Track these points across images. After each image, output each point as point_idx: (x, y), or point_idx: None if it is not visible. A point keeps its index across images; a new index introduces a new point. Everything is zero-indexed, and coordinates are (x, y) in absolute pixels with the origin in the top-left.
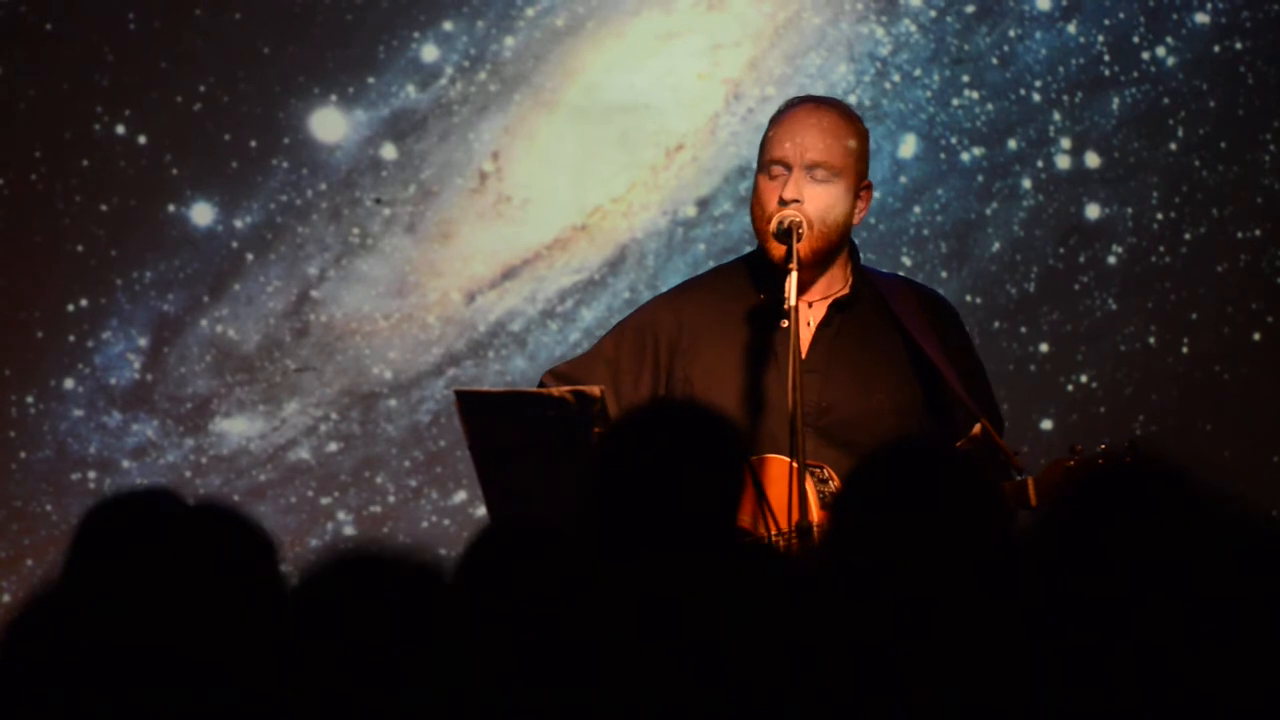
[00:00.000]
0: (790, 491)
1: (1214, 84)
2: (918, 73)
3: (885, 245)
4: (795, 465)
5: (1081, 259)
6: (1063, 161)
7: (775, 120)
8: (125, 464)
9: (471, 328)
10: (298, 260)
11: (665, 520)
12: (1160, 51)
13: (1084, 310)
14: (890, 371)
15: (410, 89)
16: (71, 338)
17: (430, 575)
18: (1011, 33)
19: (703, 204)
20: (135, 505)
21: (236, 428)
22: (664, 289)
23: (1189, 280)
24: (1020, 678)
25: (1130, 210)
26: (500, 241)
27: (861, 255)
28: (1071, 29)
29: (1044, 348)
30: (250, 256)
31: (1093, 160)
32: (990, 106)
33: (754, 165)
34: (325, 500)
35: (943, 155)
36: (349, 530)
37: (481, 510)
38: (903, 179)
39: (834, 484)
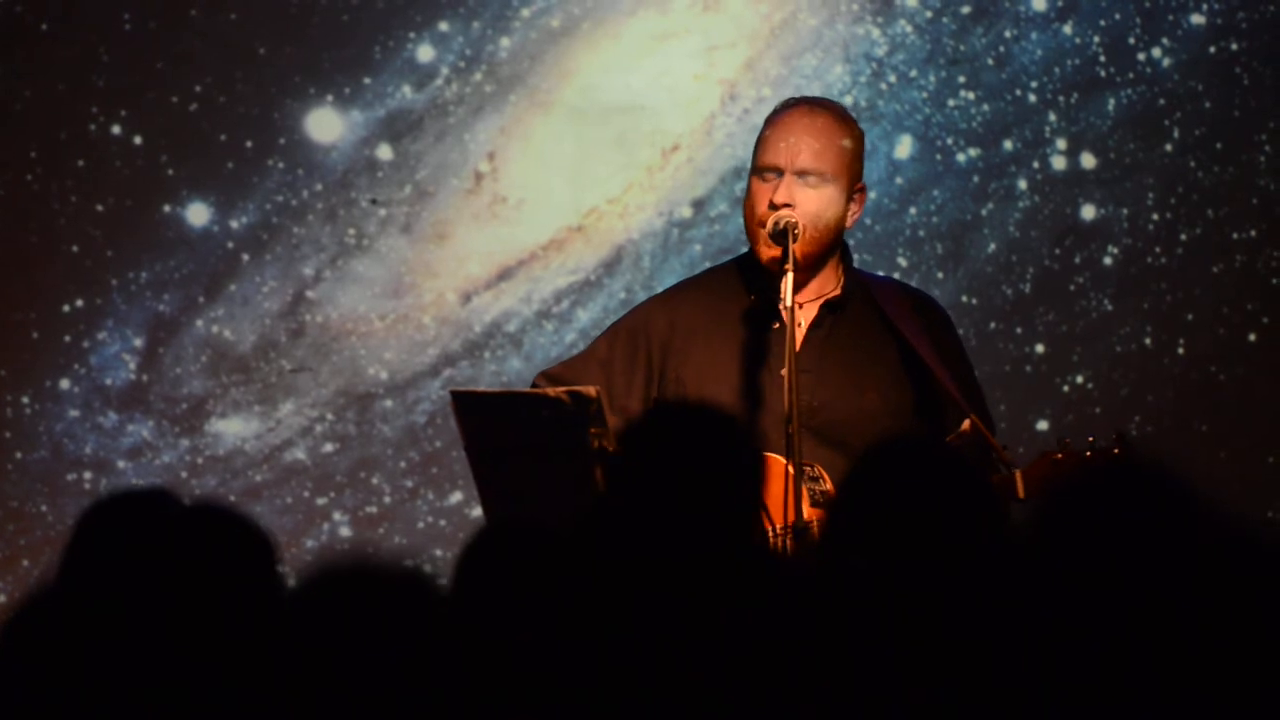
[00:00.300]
0: (786, 491)
1: (1209, 85)
2: (913, 74)
3: (881, 246)
4: (790, 465)
5: (1077, 260)
6: (1058, 162)
7: (770, 122)
8: (121, 464)
9: (467, 328)
10: (293, 261)
11: (665, 520)
12: (1156, 52)
13: (1080, 311)
14: (882, 372)
15: (406, 89)
16: (67, 338)
17: (427, 576)
18: (1007, 33)
19: (698, 205)
20: (131, 506)
21: (232, 428)
22: (659, 290)
23: (1185, 281)
24: (1016, 673)
25: (1126, 211)
26: (496, 242)
27: (857, 256)
28: (1067, 30)
29: (1040, 348)
30: (246, 257)
31: (1088, 161)
32: (986, 107)
33: (749, 165)
34: (321, 501)
35: (938, 156)
36: (345, 531)
37: (477, 511)
38: (898, 180)
39: (824, 483)
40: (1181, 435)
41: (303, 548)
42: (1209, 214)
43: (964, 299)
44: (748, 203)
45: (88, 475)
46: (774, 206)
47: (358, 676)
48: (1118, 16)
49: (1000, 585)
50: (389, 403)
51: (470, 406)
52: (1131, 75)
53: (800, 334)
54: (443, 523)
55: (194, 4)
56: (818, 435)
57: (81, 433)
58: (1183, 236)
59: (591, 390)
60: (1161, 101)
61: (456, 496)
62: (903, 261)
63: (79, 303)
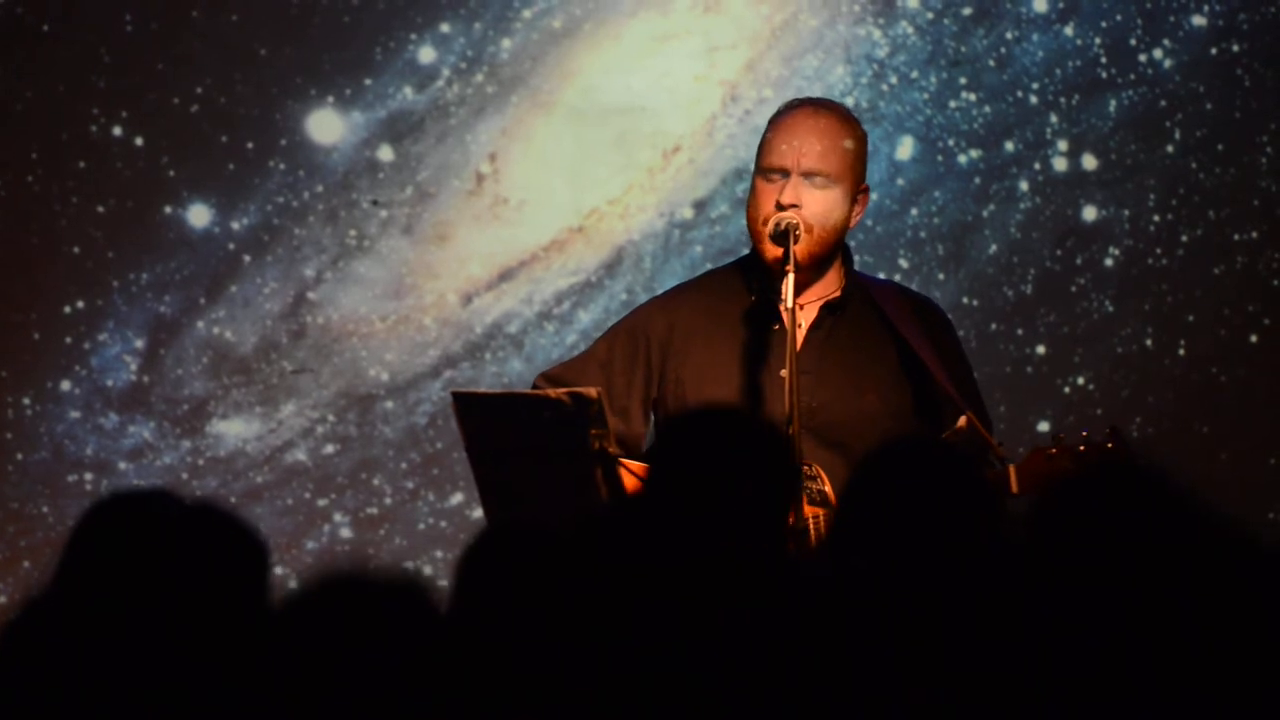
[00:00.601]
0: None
1: (1211, 86)
2: (915, 75)
3: (882, 247)
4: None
5: (1078, 261)
6: (1060, 164)
7: (774, 122)
8: (122, 465)
9: (468, 329)
10: (294, 262)
11: (665, 521)
12: (1157, 54)
13: (1081, 312)
14: (882, 373)
15: (407, 91)
16: (68, 339)
17: (427, 578)
18: (1008, 35)
19: (699, 206)
20: (132, 507)
21: (233, 429)
22: (660, 291)
23: (1186, 282)
24: (1015, 671)
25: (1127, 212)
26: (497, 243)
27: (858, 258)
28: (1069, 31)
29: (1041, 350)
30: (247, 258)
31: (1090, 162)
32: (987, 109)
33: (751, 167)
34: (322, 502)
35: (940, 157)
36: (346, 532)
37: (478, 512)
38: (900, 181)
39: (822, 483)
40: (1182, 437)
41: (303, 549)
42: (1210, 215)
43: (965, 300)
44: (752, 203)
45: (89, 476)
46: (781, 207)
47: (358, 678)
48: (1119, 18)
49: (999, 582)
50: (390, 404)
51: (471, 408)
52: (1133, 76)
53: (800, 335)
54: (443, 524)
55: (195, 5)
56: (817, 436)
57: (82, 434)
58: (1184, 238)
59: (592, 392)
60: (1163, 103)
61: (457, 498)
62: (904, 263)
63: (80, 304)
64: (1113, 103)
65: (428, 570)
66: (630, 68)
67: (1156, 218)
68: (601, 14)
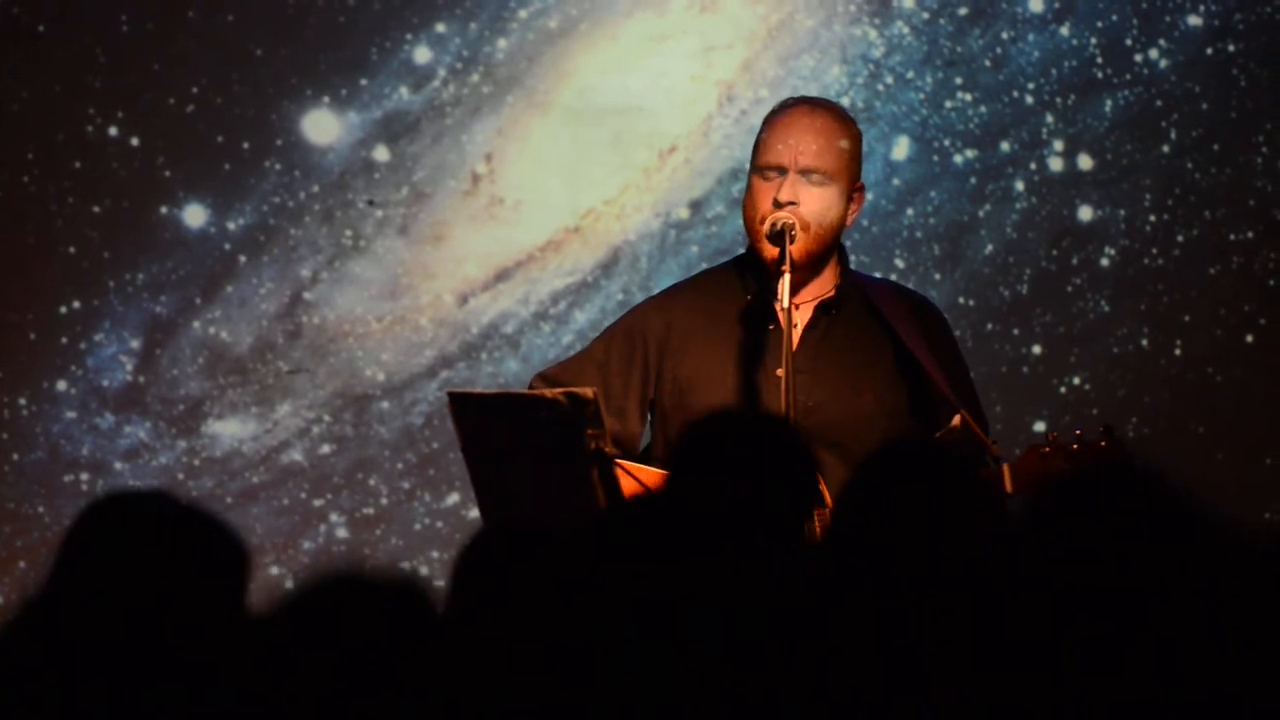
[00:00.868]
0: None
1: (1206, 86)
2: (910, 75)
3: (878, 247)
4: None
5: (1074, 261)
6: (1055, 164)
7: (769, 121)
8: (118, 466)
9: (464, 330)
10: (290, 262)
11: (662, 520)
12: (1153, 54)
13: (1077, 312)
14: (878, 373)
15: (403, 91)
16: (64, 339)
17: (423, 578)
18: (1004, 35)
19: (695, 206)
20: (128, 507)
21: (229, 430)
22: (656, 291)
23: (1182, 282)
24: (1015, 669)
25: (1123, 212)
26: (493, 243)
27: (854, 257)
28: (1064, 31)
29: (1037, 349)
30: (243, 258)
31: (1085, 162)
32: (983, 109)
33: (747, 167)
34: (318, 502)
35: (935, 157)
36: (342, 533)
37: (474, 512)
38: (895, 181)
39: (818, 483)
40: (1178, 436)
41: (299, 549)
42: (1206, 215)
43: (961, 300)
44: (749, 201)
45: (84, 477)
46: (778, 204)
47: (354, 678)
48: (1115, 18)
49: (994, 581)
50: (386, 404)
51: (467, 408)
52: (1129, 77)
53: (795, 334)
54: (440, 524)
55: (191, 6)
56: (813, 436)
57: (78, 434)
58: (1180, 238)
59: (588, 392)
60: (1159, 103)
61: (453, 498)
62: (900, 263)
63: (76, 304)
64: (1108, 103)
65: (424, 570)
66: (626, 68)
67: (1152, 218)
68: (597, 14)
